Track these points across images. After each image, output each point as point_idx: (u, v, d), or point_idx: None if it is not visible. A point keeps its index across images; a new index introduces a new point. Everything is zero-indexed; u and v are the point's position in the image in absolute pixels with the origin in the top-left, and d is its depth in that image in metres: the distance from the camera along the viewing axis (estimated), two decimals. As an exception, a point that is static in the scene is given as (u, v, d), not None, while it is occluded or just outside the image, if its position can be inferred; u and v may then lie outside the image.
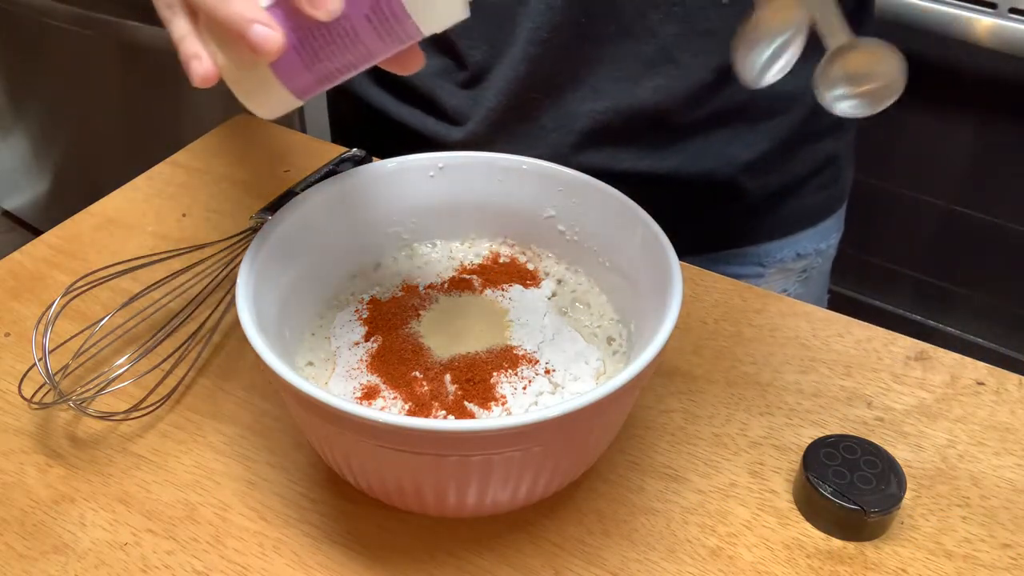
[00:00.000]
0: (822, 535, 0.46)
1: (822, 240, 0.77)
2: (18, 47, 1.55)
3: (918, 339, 0.57)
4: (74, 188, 1.80)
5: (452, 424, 0.37)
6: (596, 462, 0.47)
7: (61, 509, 0.46)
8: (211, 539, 0.45)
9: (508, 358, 0.47)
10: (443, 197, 0.53)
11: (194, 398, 0.52)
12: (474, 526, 0.46)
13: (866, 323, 0.58)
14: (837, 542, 0.45)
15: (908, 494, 0.46)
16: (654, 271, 0.46)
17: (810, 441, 0.47)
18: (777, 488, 0.48)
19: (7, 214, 2.02)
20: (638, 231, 0.48)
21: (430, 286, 0.52)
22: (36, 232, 1.91)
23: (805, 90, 0.66)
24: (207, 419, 0.51)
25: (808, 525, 0.46)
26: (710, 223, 0.73)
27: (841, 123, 0.74)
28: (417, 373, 0.46)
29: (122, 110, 1.53)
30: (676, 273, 0.44)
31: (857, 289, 1.47)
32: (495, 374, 0.46)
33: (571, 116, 0.64)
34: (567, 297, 0.52)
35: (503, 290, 0.52)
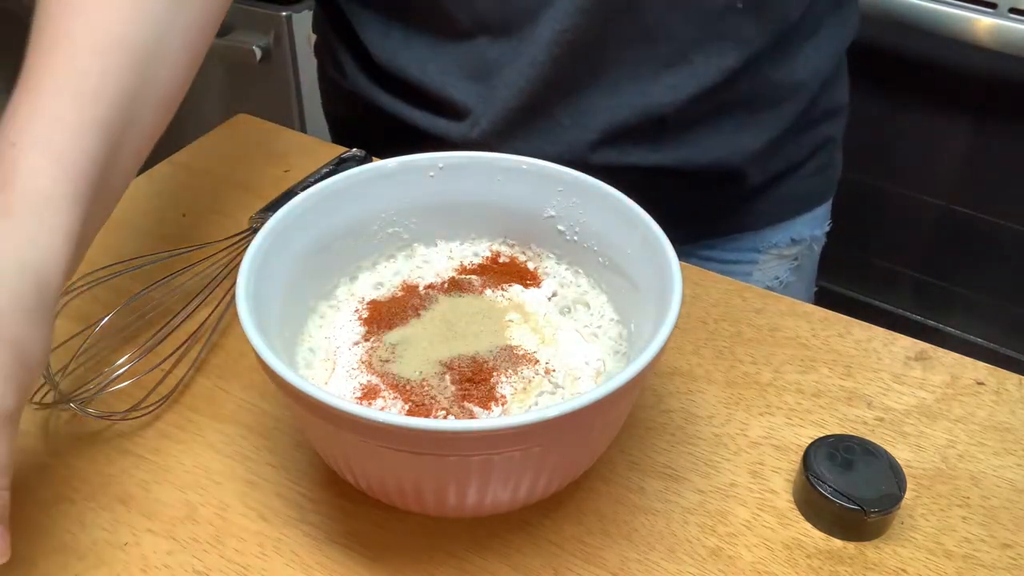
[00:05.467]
0: (822, 535, 0.46)
1: (817, 226, 0.79)
2: (18, 47, 1.55)
3: (918, 339, 0.57)
4: (74, 188, 1.80)
5: (452, 424, 0.37)
6: (596, 462, 0.47)
7: (61, 509, 0.46)
8: (211, 539, 0.45)
9: (508, 358, 0.47)
10: (443, 197, 0.53)
11: (194, 398, 0.52)
12: (474, 526, 0.46)
13: (866, 323, 0.58)
14: (837, 542, 0.45)
15: (908, 494, 0.46)
16: (654, 271, 0.46)
17: (810, 441, 0.47)
18: (777, 488, 0.48)
19: (7, 214, 2.02)
20: (638, 231, 0.48)
21: (430, 286, 0.52)
22: (36, 232, 1.90)
23: (808, 77, 0.68)
24: (207, 419, 0.51)
25: (808, 525, 0.46)
26: (709, 211, 0.74)
27: (836, 107, 0.76)
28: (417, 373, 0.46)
29: (122, 110, 1.53)
30: (676, 273, 0.44)
31: (857, 289, 1.47)
32: (495, 374, 0.46)
33: (588, 113, 0.65)
34: (567, 297, 0.52)
35: (503, 290, 0.52)
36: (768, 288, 0.65)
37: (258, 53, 1.26)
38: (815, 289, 0.86)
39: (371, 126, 0.74)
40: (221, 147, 0.75)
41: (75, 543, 0.45)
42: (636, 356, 0.39)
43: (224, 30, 1.27)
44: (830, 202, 0.80)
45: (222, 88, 1.36)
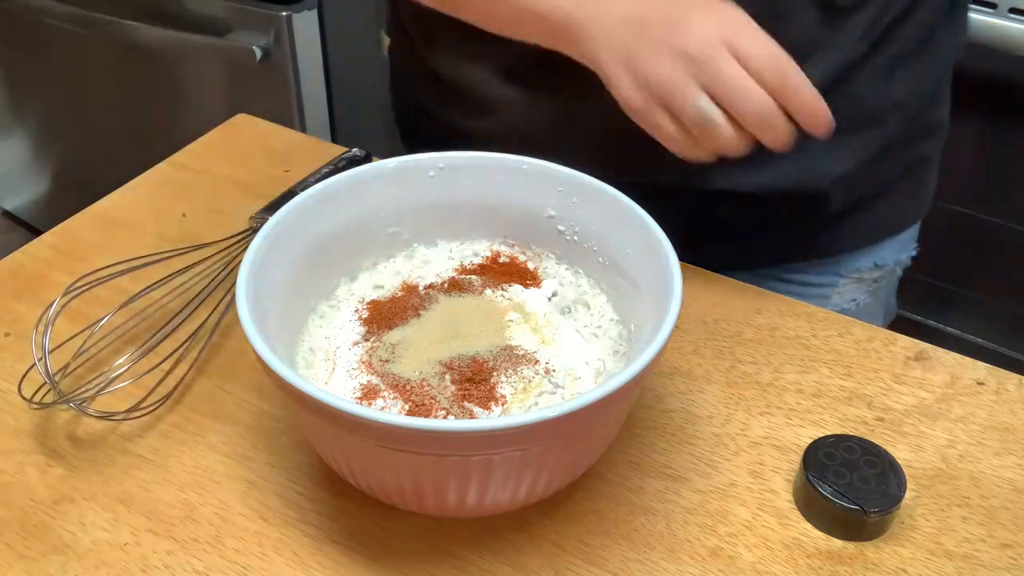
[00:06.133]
0: (822, 535, 0.46)
1: (902, 251, 0.74)
2: (18, 47, 1.55)
3: (918, 339, 0.57)
4: (74, 188, 1.80)
5: (452, 424, 0.37)
6: (596, 462, 0.47)
7: (61, 509, 0.46)
8: (211, 539, 0.45)
9: (508, 358, 0.47)
10: (443, 197, 0.53)
11: (194, 398, 0.52)
12: (474, 526, 0.46)
13: (866, 323, 0.58)
14: (837, 542, 0.45)
15: (908, 494, 0.46)
16: (654, 271, 0.46)
17: (810, 441, 0.47)
18: (777, 488, 0.48)
19: (7, 214, 2.02)
20: (638, 231, 0.48)
21: (430, 286, 0.52)
22: (36, 232, 1.90)
23: (909, 98, 0.64)
24: (207, 419, 0.51)
25: (808, 525, 0.46)
26: (790, 235, 0.70)
27: (936, 123, 0.71)
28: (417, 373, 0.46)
29: (122, 110, 1.53)
30: (676, 273, 0.44)
31: (857, 289, 1.46)
32: (495, 374, 0.46)
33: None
34: (567, 297, 0.52)
35: (503, 290, 0.52)
36: (843, 311, 0.62)
37: (258, 53, 1.26)
38: (895, 309, 0.80)
39: (437, 136, 0.71)
40: (221, 147, 0.75)
41: (75, 543, 0.45)
42: (636, 356, 0.40)
43: (224, 30, 1.27)
44: (919, 224, 0.75)
45: (222, 88, 1.36)
